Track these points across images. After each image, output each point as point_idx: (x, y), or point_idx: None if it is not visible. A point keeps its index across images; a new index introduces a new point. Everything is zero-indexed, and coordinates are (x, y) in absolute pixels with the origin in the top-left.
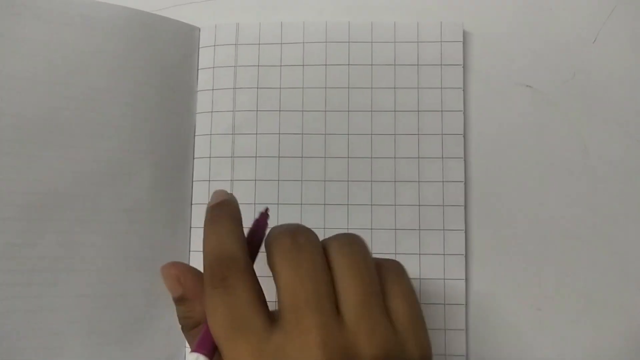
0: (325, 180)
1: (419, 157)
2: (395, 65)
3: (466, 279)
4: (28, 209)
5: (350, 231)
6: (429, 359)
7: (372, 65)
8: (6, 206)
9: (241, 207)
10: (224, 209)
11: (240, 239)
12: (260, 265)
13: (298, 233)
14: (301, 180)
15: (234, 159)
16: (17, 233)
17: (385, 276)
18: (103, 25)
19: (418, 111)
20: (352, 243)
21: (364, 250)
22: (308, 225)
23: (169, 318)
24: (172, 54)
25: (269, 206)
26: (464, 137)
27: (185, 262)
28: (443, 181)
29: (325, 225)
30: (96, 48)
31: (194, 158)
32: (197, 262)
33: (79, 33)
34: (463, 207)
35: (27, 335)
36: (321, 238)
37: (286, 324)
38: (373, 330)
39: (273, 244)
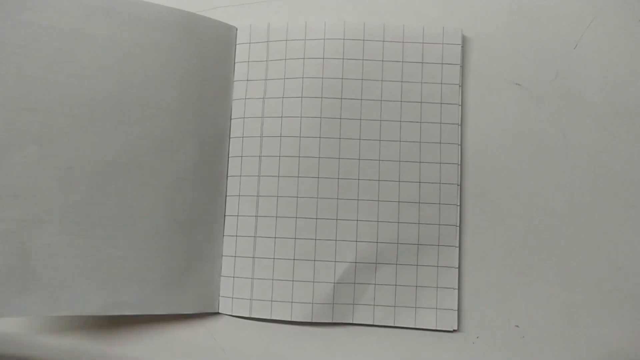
0: (339, 158)
1: (420, 142)
2: (403, 62)
3: (459, 249)
4: (94, 174)
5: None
6: None
7: (383, 61)
8: (78, 172)
9: (265, 179)
10: None
11: None
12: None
13: None
14: (318, 157)
15: (263, 139)
16: (85, 194)
17: None
18: (157, 24)
19: (421, 102)
20: None
21: None
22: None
23: (207, 271)
24: (213, 49)
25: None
26: (460, 126)
27: (221, 225)
28: (440, 163)
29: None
30: (151, 43)
31: (229, 137)
32: (230, 224)
33: (137, 30)
34: (457, 186)
35: (90, 281)
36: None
37: None
38: None
39: None
